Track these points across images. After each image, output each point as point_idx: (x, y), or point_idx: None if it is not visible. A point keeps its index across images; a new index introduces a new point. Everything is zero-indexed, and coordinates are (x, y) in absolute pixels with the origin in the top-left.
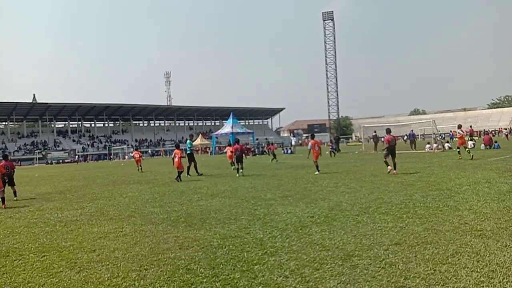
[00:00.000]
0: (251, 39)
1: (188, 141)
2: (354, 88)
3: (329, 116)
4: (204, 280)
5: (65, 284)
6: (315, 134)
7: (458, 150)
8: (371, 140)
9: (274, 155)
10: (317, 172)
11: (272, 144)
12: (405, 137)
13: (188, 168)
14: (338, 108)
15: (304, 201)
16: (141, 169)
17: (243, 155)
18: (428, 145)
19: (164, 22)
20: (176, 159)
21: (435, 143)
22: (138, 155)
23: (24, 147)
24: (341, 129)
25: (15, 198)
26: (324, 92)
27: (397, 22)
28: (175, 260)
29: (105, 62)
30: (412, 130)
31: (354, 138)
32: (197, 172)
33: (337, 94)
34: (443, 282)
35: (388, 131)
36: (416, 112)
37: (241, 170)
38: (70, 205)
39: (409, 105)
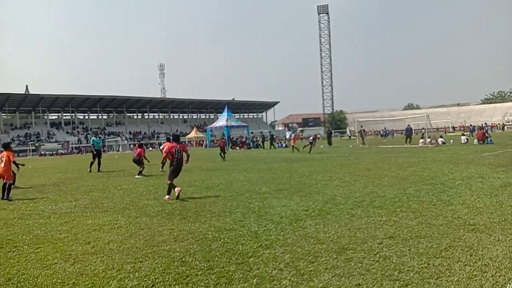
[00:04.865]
0: (246, 32)
1: (93, 138)
2: (348, 82)
3: (323, 110)
4: (199, 273)
5: (59, 276)
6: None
7: (293, 147)
8: (358, 134)
9: (224, 151)
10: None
11: (223, 139)
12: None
13: (99, 164)
14: (332, 102)
15: (298, 195)
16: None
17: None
18: (421, 140)
19: (159, 14)
20: (2, 165)
21: (429, 137)
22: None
23: (17, 139)
24: (336, 123)
25: None
26: (318, 86)
27: (392, 17)
28: (170, 253)
29: (100, 54)
30: (409, 125)
31: (348, 132)
32: (98, 169)
33: (332, 88)
34: (436, 276)
35: (176, 138)
36: (410, 106)
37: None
38: (64, 197)
39: (403, 99)
